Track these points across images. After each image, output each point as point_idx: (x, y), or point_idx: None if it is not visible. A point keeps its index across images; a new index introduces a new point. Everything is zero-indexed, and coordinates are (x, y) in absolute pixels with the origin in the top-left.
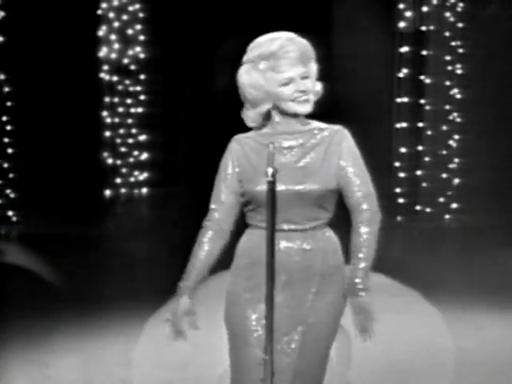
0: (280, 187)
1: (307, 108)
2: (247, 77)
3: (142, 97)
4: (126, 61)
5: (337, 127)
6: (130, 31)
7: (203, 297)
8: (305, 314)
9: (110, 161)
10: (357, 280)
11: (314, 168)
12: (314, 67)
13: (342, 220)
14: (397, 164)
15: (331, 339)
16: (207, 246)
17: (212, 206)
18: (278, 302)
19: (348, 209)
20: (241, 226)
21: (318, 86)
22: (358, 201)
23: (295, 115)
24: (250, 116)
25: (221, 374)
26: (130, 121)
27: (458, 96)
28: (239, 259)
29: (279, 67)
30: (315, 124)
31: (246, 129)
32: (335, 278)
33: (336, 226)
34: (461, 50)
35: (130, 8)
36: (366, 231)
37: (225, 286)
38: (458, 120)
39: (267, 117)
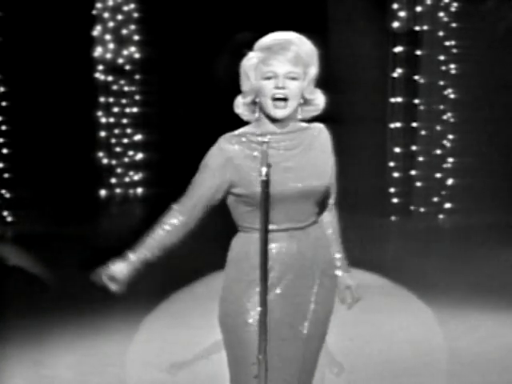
0: (283, 186)
1: (284, 112)
2: (244, 63)
3: (137, 97)
4: (120, 61)
5: (319, 125)
6: (124, 31)
7: (197, 299)
8: (310, 310)
9: (105, 161)
10: (345, 260)
11: (314, 164)
12: (311, 72)
13: None
14: (391, 164)
15: (327, 331)
16: (168, 228)
17: (181, 200)
18: (288, 299)
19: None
20: (228, 228)
21: (315, 94)
22: (333, 190)
23: (272, 119)
24: (238, 103)
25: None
26: (125, 121)
27: (452, 96)
28: (239, 264)
29: (268, 61)
30: (298, 123)
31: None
32: (331, 274)
33: None
34: (455, 50)
35: (125, 8)
36: (335, 216)
37: (215, 288)
38: (452, 120)
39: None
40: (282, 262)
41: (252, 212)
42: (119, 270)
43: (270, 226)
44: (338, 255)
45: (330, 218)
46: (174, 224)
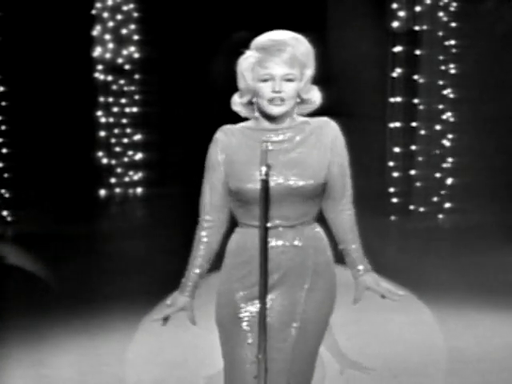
0: (271, 183)
1: (280, 109)
2: (240, 63)
3: (137, 96)
4: (120, 60)
5: (324, 119)
6: (124, 31)
7: (196, 298)
8: (299, 311)
9: (104, 160)
10: (365, 261)
11: (305, 162)
12: (308, 73)
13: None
14: (390, 164)
15: (321, 336)
16: (205, 239)
17: (201, 207)
18: (273, 300)
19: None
20: (228, 228)
21: (311, 92)
22: (343, 189)
23: (269, 116)
24: (235, 102)
25: (212, 375)
26: (124, 120)
27: (452, 95)
28: (231, 259)
29: (265, 62)
30: (300, 119)
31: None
32: (326, 275)
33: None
34: (454, 50)
35: (124, 8)
36: (351, 215)
37: (215, 287)
38: (452, 120)
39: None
40: (270, 262)
41: (243, 207)
42: (182, 303)
43: (256, 223)
44: (357, 256)
45: (348, 222)
46: (207, 233)
